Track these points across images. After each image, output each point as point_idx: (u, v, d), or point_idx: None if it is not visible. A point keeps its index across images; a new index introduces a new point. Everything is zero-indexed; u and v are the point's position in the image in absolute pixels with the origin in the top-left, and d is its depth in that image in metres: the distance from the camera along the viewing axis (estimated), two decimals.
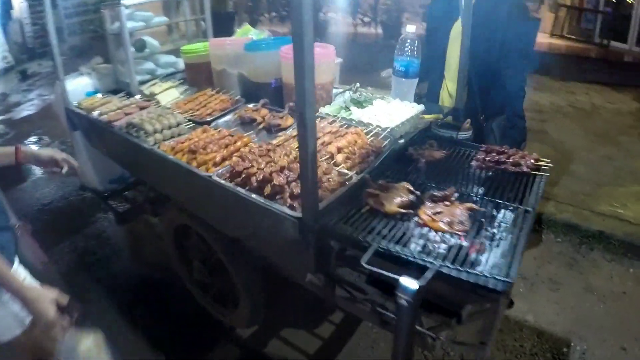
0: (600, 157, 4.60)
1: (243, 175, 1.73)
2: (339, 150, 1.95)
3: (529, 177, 1.85)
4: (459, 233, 1.48)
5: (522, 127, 2.58)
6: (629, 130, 5.20)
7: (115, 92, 3.03)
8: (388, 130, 2.09)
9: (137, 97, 2.93)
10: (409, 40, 2.35)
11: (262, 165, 1.77)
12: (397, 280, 1.23)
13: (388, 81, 2.54)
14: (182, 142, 2.16)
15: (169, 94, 2.88)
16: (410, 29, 2.33)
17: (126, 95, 2.97)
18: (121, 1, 2.55)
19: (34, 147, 2.07)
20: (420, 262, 1.34)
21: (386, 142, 2.05)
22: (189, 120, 2.50)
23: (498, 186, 1.80)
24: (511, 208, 1.65)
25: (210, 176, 1.84)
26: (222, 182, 1.80)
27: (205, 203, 2.02)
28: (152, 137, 2.27)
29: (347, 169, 1.85)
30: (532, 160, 1.88)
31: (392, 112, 2.28)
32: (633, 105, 5.95)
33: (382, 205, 1.59)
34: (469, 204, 1.61)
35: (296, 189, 1.63)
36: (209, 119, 2.51)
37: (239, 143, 2.08)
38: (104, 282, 3.16)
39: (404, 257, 1.37)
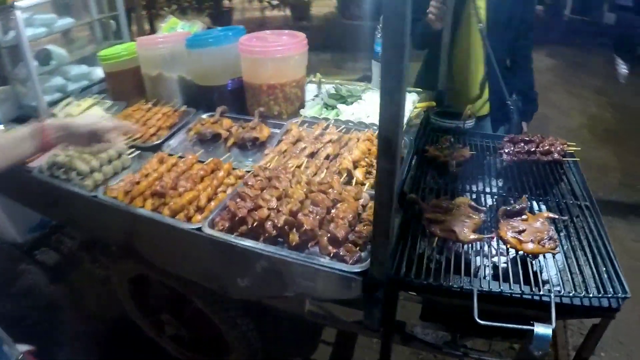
0: (538, 116, 4.57)
1: (254, 223, 1.22)
2: (355, 164, 1.50)
3: (561, 165, 1.65)
4: (553, 252, 1.16)
5: (536, 98, 2.38)
6: (553, 87, 5.28)
7: (20, 120, 2.29)
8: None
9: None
10: None
11: (274, 204, 1.27)
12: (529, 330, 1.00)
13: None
14: (137, 182, 1.57)
15: (93, 114, 2.21)
16: None
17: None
18: (15, 3, 1.82)
19: (70, 119, 1.34)
20: (530, 297, 1.07)
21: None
22: (132, 147, 1.88)
23: (541, 181, 1.55)
24: (566, 204, 1.41)
25: (199, 228, 1.31)
26: (219, 235, 1.28)
27: (190, 261, 1.47)
28: (90, 179, 1.65)
29: (373, 187, 1.42)
30: (562, 146, 1.66)
31: None
32: (548, 61, 6.09)
33: (453, 234, 1.19)
34: (546, 213, 1.29)
35: (338, 230, 1.17)
36: (156, 141, 1.91)
37: (220, 173, 1.54)
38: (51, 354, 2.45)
39: (518, 296, 1.06)
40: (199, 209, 1.40)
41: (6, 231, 2.47)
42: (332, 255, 1.17)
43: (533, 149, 1.65)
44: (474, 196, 1.46)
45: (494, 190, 1.51)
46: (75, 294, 2.76)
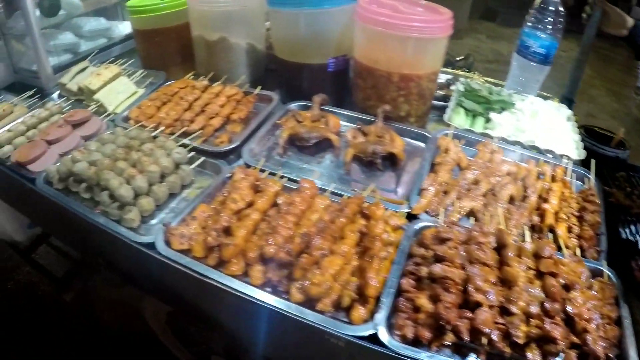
0: (585, 117, 4.04)
1: (480, 337, 0.68)
2: (558, 217, 0.97)
3: None
4: None
5: None
6: (593, 82, 4.70)
7: (14, 89, 1.62)
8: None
9: (56, 98, 1.56)
10: (552, 9, 1.36)
11: (493, 297, 0.75)
12: None
13: None
14: (226, 227, 0.95)
15: (119, 89, 1.52)
16: None
17: (37, 96, 1.56)
18: None
19: None
20: None
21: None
22: (192, 150, 1.24)
23: None
24: None
25: (374, 336, 0.75)
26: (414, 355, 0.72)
27: None
28: (134, 211, 1.03)
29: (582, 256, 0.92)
30: None
31: (545, 121, 1.31)
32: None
33: None
34: None
35: (596, 344, 0.71)
36: (229, 145, 1.27)
37: (379, 226, 0.93)
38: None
39: None
40: (361, 296, 0.82)
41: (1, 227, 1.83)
42: None
43: None
44: None
45: None
46: (82, 300, 2.11)
